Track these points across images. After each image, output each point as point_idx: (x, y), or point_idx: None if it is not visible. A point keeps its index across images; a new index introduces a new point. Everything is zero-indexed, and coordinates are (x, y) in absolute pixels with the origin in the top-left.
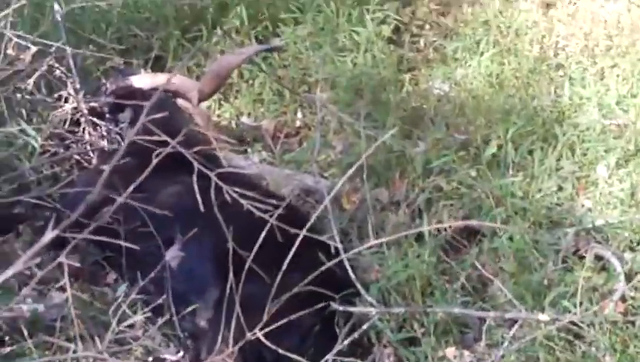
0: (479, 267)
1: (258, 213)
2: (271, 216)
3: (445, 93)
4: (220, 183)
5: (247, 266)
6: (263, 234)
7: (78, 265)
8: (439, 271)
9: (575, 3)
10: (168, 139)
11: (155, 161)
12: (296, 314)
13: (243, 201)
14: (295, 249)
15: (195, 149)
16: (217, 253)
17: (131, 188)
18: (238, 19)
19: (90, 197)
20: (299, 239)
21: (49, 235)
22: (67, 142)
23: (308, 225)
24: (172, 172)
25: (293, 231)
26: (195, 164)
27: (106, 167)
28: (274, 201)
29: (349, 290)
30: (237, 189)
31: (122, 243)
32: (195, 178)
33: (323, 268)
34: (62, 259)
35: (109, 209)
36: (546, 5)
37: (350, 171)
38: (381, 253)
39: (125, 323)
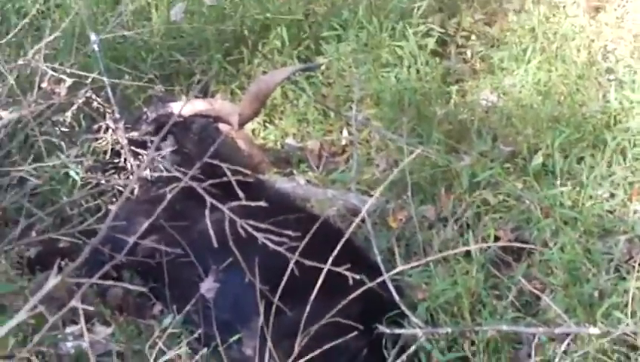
0: (524, 283)
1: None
2: (313, 240)
3: (493, 104)
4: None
5: (291, 292)
6: (293, 258)
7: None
8: (488, 286)
9: (624, 6)
10: (218, 164)
11: (176, 187)
12: (343, 337)
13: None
14: (341, 271)
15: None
16: (261, 280)
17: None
18: (280, 39)
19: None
20: (329, 258)
21: (52, 282)
22: (109, 173)
23: (341, 241)
24: (215, 199)
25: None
26: (238, 191)
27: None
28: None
29: (396, 311)
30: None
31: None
32: (232, 205)
33: (364, 287)
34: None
35: (152, 240)
36: (594, 9)
37: (383, 185)
38: (428, 271)
39: (170, 354)
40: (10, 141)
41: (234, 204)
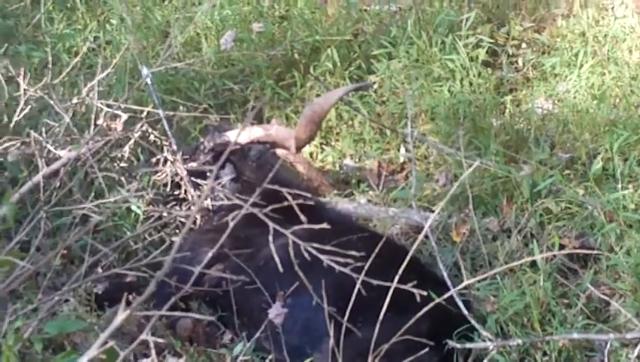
0: (592, 289)
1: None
2: (379, 259)
3: (548, 111)
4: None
5: (360, 312)
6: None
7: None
8: (557, 295)
9: None
10: (278, 189)
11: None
12: (415, 354)
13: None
14: (408, 289)
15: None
16: (329, 302)
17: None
18: (330, 61)
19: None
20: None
21: (121, 316)
22: (170, 205)
23: (407, 258)
24: (277, 224)
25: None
26: (301, 215)
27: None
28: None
29: (465, 325)
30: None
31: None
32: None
33: (432, 304)
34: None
35: (217, 269)
36: None
37: (444, 199)
38: (495, 284)
39: None
40: (70, 179)
41: (297, 228)
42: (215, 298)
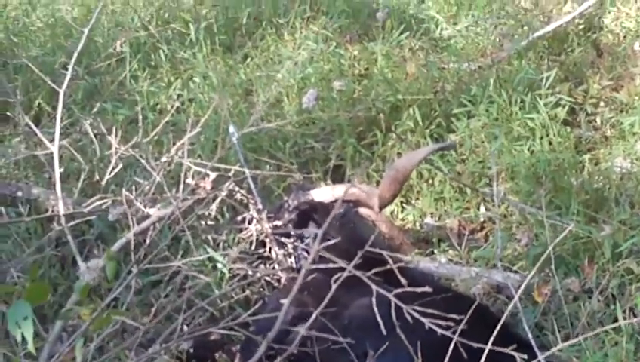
0: None
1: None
2: (461, 321)
3: (627, 170)
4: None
5: None
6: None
7: None
8: (639, 357)
9: None
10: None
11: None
12: None
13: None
14: (490, 350)
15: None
16: None
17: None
18: (412, 120)
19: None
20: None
21: None
22: (255, 264)
23: (500, 323)
24: (362, 283)
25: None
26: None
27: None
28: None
29: None
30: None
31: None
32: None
33: None
34: None
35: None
36: None
37: (538, 264)
38: (578, 345)
39: None
40: (158, 238)
41: (399, 291)
42: (302, 358)
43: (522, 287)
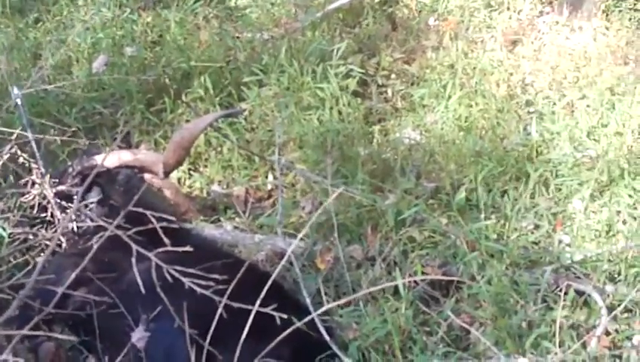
0: (453, 317)
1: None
2: (242, 284)
3: (415, 142)
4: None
5: (222, 336)
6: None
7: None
8: (418, 323)
9: (540, 38)
10: (143, 211)
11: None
12: None
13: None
14: (270, 314)
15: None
16: (191, 325)
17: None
18: (202, 87)
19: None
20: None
21: None
22: (36, 228)
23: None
24: (141, 247)
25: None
26: (164, 238)
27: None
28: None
29: (327, 352)
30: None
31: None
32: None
33: (292, 327)
34: None
35: (81, 292)
36: (511, 43)
37: (307, 226)
38: (358, 311)
39: None
40: None
41: (160, 250)
42: (78, 322)
43: (304, 254)
